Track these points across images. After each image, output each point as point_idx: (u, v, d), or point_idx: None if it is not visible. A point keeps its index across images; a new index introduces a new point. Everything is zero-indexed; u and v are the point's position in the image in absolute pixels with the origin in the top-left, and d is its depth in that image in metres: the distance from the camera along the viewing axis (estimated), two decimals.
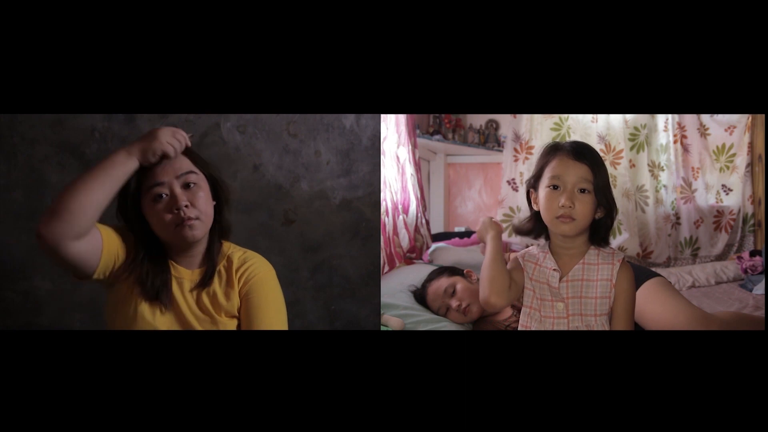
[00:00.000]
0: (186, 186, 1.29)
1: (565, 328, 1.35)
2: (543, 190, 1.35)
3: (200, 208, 1.29)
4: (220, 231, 1.38)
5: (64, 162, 2.03)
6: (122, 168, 1.24)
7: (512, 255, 1.46)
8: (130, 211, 1.30)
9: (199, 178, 1.32)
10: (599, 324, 1.35)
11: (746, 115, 3.45)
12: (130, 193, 1.29)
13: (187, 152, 1.33)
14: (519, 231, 1.43)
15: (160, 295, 1.30)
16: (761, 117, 3.35)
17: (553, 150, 1.37)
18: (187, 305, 1.33)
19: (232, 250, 1.39)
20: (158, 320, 1.30)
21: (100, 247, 1.25)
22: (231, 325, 1.35)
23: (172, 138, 1.28)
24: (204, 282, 1.34)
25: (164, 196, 1.27)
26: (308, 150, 2.09)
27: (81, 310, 2.04)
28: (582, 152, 1.35)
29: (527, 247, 1.45)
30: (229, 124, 2.07)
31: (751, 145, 3.53)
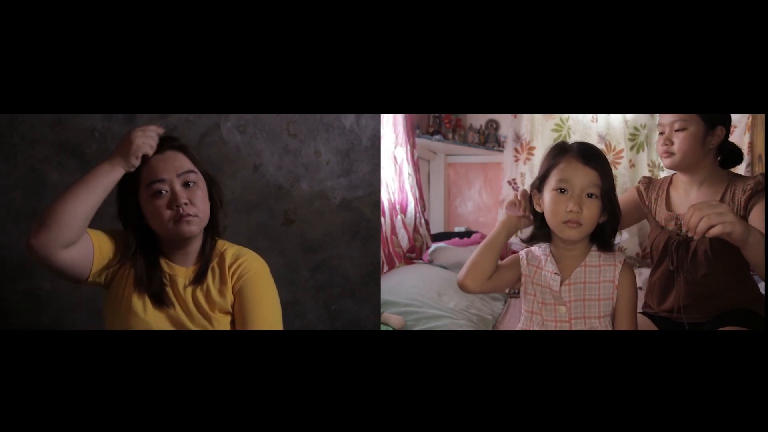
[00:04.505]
0: (186, 184, 1.32)
1: None
2: (549, 193, 1.31)
3: (198, 206, 1.32)
4: (214, 230, 1.40)
5: (64, 162, 2.03)
6: (108, 177, 1.27)
7: (515, 254, 1.45)
8: (129, 205, 1.32)
9: (198, 178, 1.35)
10: (603, 325, 1.34)
11: (746, 115, 3.44)
12: (129, 188, 1.31)
13: (186, 152, 1.36)
14: (531, 240, 1.40)
15: (155, 291, 1.32)
16: (761, 117, 3.35)
17: (561, 152, 1.33)
18: (181, 302, 1.34)
19: (226, 247, 1.41)
20: (151, 316, 1.32)
21: (91, 252, 1.29)
22: (224, 321, 1.36)
23: (145, 137, 1.29)
24: (197, 279, 1.35)
25: (164, 192, 1.30)
26: (308, 150, 2.09)
27: (81, 310, 2.03)
28: (590, 156, 1.30)
29: (526, 246, 1.44)
30: (229, 124, 2.07)
31: (751, 145, 3.52)
